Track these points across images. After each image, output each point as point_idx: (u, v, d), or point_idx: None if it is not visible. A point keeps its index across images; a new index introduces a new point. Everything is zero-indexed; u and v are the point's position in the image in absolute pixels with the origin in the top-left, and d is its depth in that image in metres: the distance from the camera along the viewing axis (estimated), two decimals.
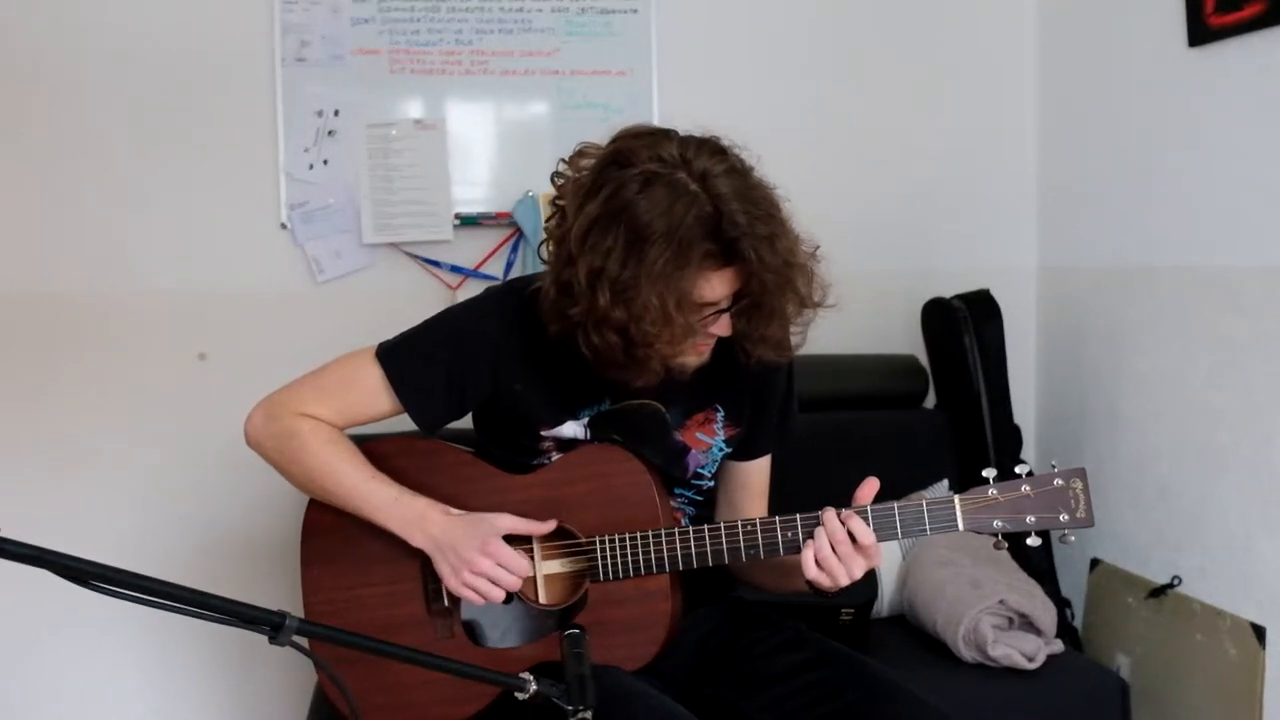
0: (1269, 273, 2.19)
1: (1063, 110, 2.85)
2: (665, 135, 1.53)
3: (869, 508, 1.53)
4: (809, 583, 1.56)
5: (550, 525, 1.64)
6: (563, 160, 1.60)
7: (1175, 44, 2.38)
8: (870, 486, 1.54)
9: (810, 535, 1.53)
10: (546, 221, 1.62)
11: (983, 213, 2.94)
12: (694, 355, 1.58)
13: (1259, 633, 2.22)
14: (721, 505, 1.81)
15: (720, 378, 1.66)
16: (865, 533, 1.51)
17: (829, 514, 1.52)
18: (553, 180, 1.62)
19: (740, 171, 1.51)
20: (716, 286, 1.51)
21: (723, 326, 1.56)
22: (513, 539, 1.63)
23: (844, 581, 1.52)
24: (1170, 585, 2.43)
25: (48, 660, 2.57)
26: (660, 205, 1.45)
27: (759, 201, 1.49)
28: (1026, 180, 2.94)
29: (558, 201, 1.59)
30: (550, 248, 1.58)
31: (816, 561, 1.51)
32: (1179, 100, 2.41)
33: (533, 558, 1.65)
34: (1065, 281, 2.85)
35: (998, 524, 1.53)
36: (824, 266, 1.57)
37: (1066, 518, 1.53)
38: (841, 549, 1.51)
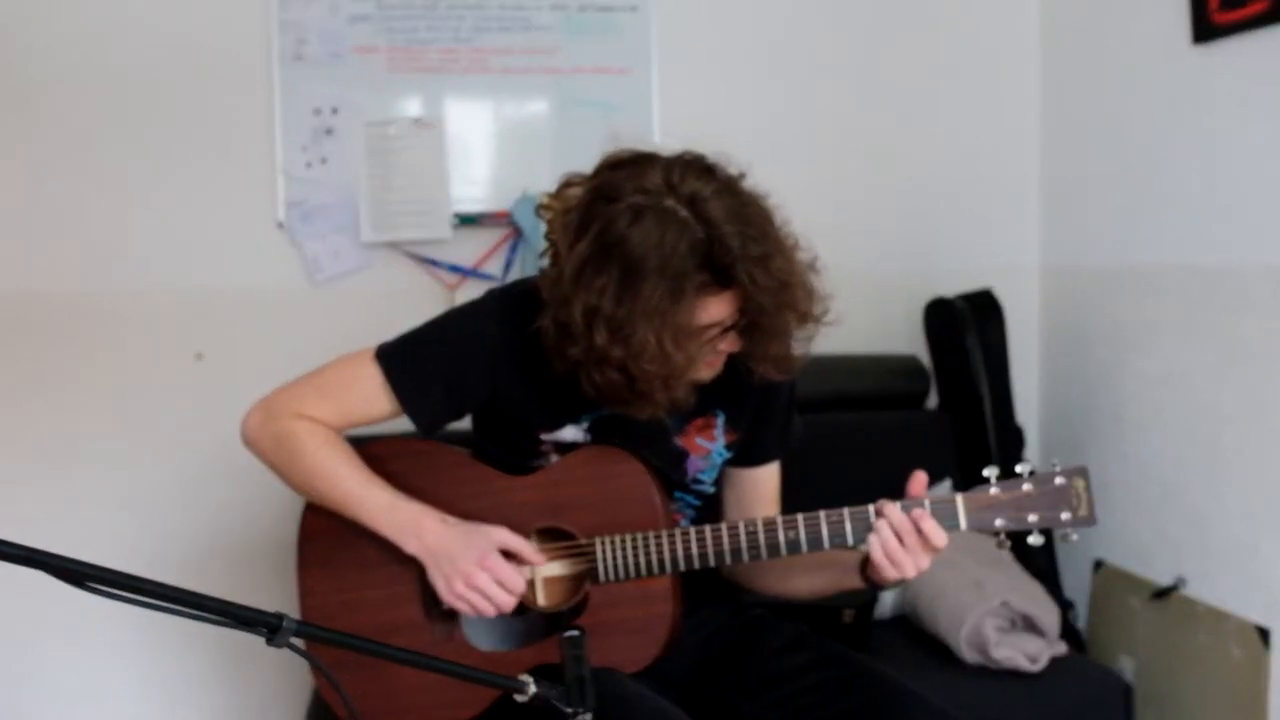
0: (1275, 271, 2.18)
1: (1066, 108, 2.84)
2: (648, 162, 1.50)
3: (899, 503, 1.53)
4: (868, 578, 1.57)
5: (543, 560, 1.64)
6: (548, 194, 1.59)
7: (1179, 41, 2.37)
8: (919, 481, 1.55)
9: (866, 532, 1.53)
10: (540, 257, 1.61)
11: (985, 212, 2.93)
12: (707, 370, 1.58)
13: (1263, 635, 2.21)
14: (733, 513, 1.79)
15: (721, 383, 1.64)
16: (937, 533, 1.51)
17: (890, 507, 1.52)
18: (539, 214, 1.61)
19: (731, 189, 1.48)
20: (714, 311, 1.50)
21: (730, 342, 1.55)
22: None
23: (911, 573, 1.52)
24: (1174, 587, 2.42)
25: (43, 662, 2.55)
26: (651, 238, 1.43)
27: (751, 220, 1.47)
28: (1029, 179, 2.93)
29: (550, 237, 1.58)
30: (547, 287, 1.56)
31: (886, 554, 1.51)
32: (1183, 98, 2.40)
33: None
34: (1068, 281, 2.84)
35: (1000, 522, 1.53)
36: (825, 267, 1.55)
37: (1069, 516, 1.53)
38: (908, 540, 1.51)
